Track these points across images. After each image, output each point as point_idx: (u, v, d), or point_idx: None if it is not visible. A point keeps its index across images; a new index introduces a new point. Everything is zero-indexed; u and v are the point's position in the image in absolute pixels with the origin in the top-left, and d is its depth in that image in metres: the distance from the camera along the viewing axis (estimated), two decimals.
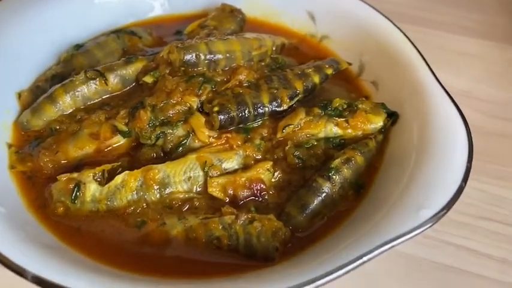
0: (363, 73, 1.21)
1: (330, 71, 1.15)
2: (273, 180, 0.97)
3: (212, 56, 1.08)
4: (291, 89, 1.07)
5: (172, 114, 1.00)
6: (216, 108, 1.00)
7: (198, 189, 0.95)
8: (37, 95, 1.10)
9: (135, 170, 0.93)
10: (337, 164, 0.95)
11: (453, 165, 0.86)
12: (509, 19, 1.60)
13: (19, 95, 1.10)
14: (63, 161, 0.99)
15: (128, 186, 0.92)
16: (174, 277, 0.84)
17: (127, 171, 0.93)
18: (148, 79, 1.07)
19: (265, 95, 1.05)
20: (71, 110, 1.06)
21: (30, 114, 1.05)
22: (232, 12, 1.31)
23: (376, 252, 0.74)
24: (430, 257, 0.96)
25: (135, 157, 1.01)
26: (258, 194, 0.95)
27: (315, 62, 1.18)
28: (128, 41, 1.24)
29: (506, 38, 1.51)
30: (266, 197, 0.95)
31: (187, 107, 1.01)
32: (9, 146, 1.02)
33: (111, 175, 0.94)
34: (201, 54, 1.07)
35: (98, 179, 0.93)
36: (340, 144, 1.03)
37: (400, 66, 1.11)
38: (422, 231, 0.77)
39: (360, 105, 1.04)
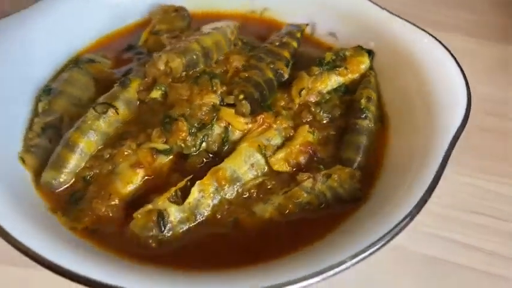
0: (316, 31, 1.35)
1: (299, 34, 1.26)
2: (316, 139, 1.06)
3: (206, 51, 1.10)
4: (282, 59, 1.16)
5: (202, 117, 1.02)
6: (241, 96, 1.04)
7: (264, 171, 1.00)
8: (41, 153, 1.00)
9: (205, 178, 0.94)
10: (364, 103, 1.09)
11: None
12: (499, 17, 1.60)
13: (22, 160, 0.98)
14: (118, 202, 0.94)
15: (206, 194, 0.93)
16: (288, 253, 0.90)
17: (198, 182, 0.93)
18: (156, 94, 1.05)
19: (268, 70, 1.12)
20: (93, 152, 0.99)
21: (53, 171, 0.95)
22: (177, 10, 1.32)
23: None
24: (420, 250, 0.99)
25: (184, 170, 1.01)
26: (313, 154, 1.03)
27: (279, 32, 1.28)
28: (91, 69, 1.17)
29: (496, 36, 1.51)
30: (319, 155, 1.04)
31: (211, 106, 1.03)
32: (54, 210, 0.92)
33: (183, 192, 0.93)
34: (197, 53, 1.08)
35: (173, 200, 0.92)
36: (347, 91, 1.16)
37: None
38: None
39: (346, 53, 1.18)
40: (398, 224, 0.79)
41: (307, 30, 1.35)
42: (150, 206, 0.90)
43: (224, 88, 1.07)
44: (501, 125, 1.26)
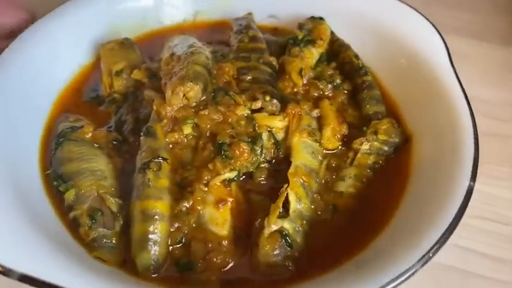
0: (256, 17, 1.38)
1: (254, 24, 1.29)
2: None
3: (208, 70, 1.06)
4: (264, 51, 1.18)
5: (248, 131, 1.00)
6: (267, 97, 1.04)
7: (323, 154, 1.04)
8: (109, 243, 0.88)
9: (291, 183, 0.94)
10: (357, 61, 1.20)
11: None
12: (501, 19, 1.56)
13: (102, 260, 0.85)
14: (228, 244, 0.89)
15: (301, 196, 0.94)
16: None
17: (288, 188, 0.93)
18: (188, 130, 0.99)
19: (262, 66, 1.13)
20: (170, 212, 0.90)
21: (145, 252, 0.84)
22: (123, 43, 1.21)
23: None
24: None
25: (254, 186, 0.99)
26: (346, 121, 1.11)
27: (235, 29, 1.28)
28: (82, 136, 1.03)
29: (499, 39, 1.48)
30: (347, 120, 1.12)
31: (245, 118, 1.02)
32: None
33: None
34: (205, 73, 1.03)
35: (281, 215, 0.91)
36: (328, 59, 1.24)
37: None
38: None
39: (309, 26, 1.26)
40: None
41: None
42: (267, 232, 0.88)
43: (243, 97, 1.06)
44: (504, 129, 1.23)
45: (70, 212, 0.91)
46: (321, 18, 1.29)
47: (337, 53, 1.25)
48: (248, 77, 1.10)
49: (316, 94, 1.15)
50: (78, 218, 0.90)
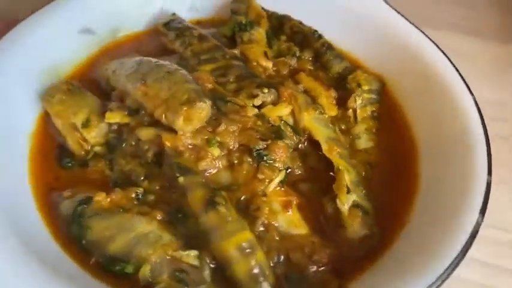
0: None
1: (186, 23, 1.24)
2: None
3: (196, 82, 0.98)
4: (220, 46, 1.15)
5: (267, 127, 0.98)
6: (265, 90, 1.02)
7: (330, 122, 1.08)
8: None
9: (333, 158, 0.97)
10: (310, 28, 1.23)
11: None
12: (497, 15, 1.52)
13: None
14: (314, 238, 0.90)
15: (347, 166, 0.97)
16: None
17: (338, 165, 0.96)
18: (217, 152, 0.92)
19: (233, 61, 1.10)
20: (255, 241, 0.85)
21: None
22: (70, 89, 1.04)
23: None
24: None
25: (295, 176, 0.99)
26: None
27: (168, 35, 1.19)
28: None
29: (494, 35, 1.44)
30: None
31: (255, 116, 0.98)
32: None
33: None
34: (198, 88, 0.95)
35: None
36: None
37: None
38: None
39: (240, 10, 1.25)
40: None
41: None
42: (345, 211, 0.91)
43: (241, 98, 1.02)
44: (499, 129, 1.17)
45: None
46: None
47: (281, 26, 1.26)
48: (230, 77, 1.05)
49: (286, 72, 1.16)
50: None
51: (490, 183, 0.88)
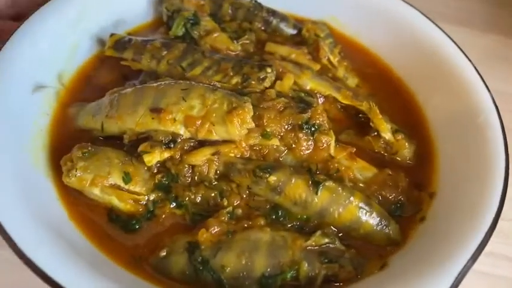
0: None
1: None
2: None
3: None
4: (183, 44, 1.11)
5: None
6: (268, 70, 1.04)
7: None
8: None
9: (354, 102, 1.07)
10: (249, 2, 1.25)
11: None
12: (487, 5, 1.53)
13: None
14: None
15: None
16: None
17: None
18: (276, 141, 0.94)
19: (211, 55, 1.08)
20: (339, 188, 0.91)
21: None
22: (87, 152, 0.89)
23: None
24: None
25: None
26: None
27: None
28: None
29: (484, 25, 1.46)
30: None
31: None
32: None
33: None
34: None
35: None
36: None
37: None
38: None
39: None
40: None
41: None
42: (390, 138, 1.03)
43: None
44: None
45: None
46: None
47: (219, 7, 1.24)
48: (228, 72, 1.04)
49: (252, 49, 1.18)
50: None
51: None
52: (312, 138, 0.96)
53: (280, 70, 1.08)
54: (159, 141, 0.92)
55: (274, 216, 0.91)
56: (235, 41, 1.16)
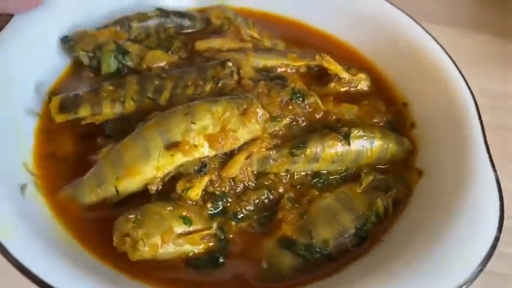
0: None
1: None
2: None
3: None
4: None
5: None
6: (229, 64, 1.06)
7: None
8: None
9: None
10: None
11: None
12: (472, 4, 1.53)
13: None
14: None
15: None
16: None
17: None
18: (285, 121, 0.99)
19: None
20: None
21: None
22: None
23: None
24: None
25: None
26: None
27: None
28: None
29: (471, 24, 1.46)
30: None
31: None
32: None
33: None
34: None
35: None
36: None
37: None
38: None
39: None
40: None
41: None
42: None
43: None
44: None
45: None
46: None
47: (130, 28, 1.17)
48: (198, 80, 1.04)
49: (185, 54, 1.18)
50: None
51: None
52: (304, 103, 1.04)
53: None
54: (190, 172, 0.90)
55: (320, 183, 0.98)
56: (169, 52, 1.13)
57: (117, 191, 0.89)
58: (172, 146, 0.88)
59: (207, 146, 0.90)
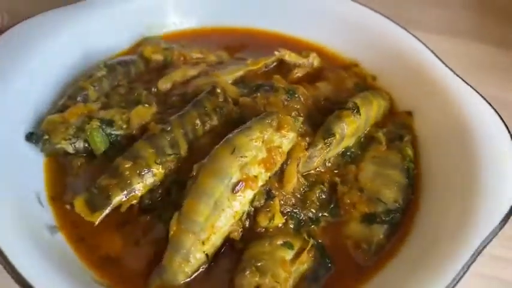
0: None
1: None
2: None
3: None
4: None
5: None
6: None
7: None
8: None
9: None
10: None
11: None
12: (472, 14, 1.57)
13: None
14: None
15: None
16: None
17: None
18: (299, 121, 1.03)
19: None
20: None
21: None
22: None
23: None
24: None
25: None
26: None
27: None
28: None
29: (470, 34, 1.48)
30: None
31: None
32: None
33: None
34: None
35: None
36: None
37: None
38: None
39: None
40: None
41: None
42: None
43: None
44: None
45: None
46: None
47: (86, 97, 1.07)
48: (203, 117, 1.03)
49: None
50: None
51: None
52: (297, 97, 1.10)
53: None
54: (262, 203, 0.92)
55: (350, 159, 1.07)
56: (146, 105, 1.07)
57: (206, 255, 0.86)
58: (238, 187, 0.88)
59: (264, 171, 0.92)
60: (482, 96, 1.05)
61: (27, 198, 0.89)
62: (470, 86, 1.07)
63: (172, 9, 1.32)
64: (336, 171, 1.04)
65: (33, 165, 0.97)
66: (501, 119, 1.00)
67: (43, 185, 0.95)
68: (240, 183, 0.88)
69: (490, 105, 1.03)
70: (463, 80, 1.08)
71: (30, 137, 0.97)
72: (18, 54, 1.05)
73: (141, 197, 0.93)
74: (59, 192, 0.95)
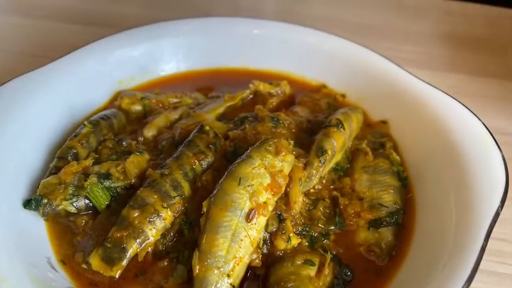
0: None
1: None
2: None
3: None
4: None
5: None
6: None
7: None
8: None
9: None
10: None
11: None
12: (444, 48, 1.68)
13: None
14: None
15: None
16: None
17: None
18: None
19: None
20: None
21: None
22: None
23: None
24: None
25: None
26: None
27: None
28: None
29: (444, 66, 1.60)
30: None
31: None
32: None
33: None
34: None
35: None
36: None
37: None
38: None
39: None
40: None
41: None
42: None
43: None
44: None
45: None
46: None
47: (76, 155, 1.06)
48: (199, 155, 1.04)
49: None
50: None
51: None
52: (281, 122, 1.15)
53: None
54: (276, 227, 0.94)
55: (341, 172, 1.12)
56: (137, 153, 1.07)
57: (233, 286, 0.86)
58: (251, 216, 0.90)
59: (271, 196, 0.94)
60: (448, 94, 1.14)
61: (40, 264, 0.86)
62: (436, 88, 1.16)
63: (142, 62, 1.34)
64: (332, 187, 1.09)
65: (37, 230, 0.94)
66: (468, 109, 1.10)
67: (51, 249, 0.92)
68: (253, 211, 0.90)
69: (456, 100, 1.12)
70: (429, 84, 1.18)
71: (28, 203, 0.95)
72: None
73: (155, 243, 0.93)
74: (68, 254, 0.93)
